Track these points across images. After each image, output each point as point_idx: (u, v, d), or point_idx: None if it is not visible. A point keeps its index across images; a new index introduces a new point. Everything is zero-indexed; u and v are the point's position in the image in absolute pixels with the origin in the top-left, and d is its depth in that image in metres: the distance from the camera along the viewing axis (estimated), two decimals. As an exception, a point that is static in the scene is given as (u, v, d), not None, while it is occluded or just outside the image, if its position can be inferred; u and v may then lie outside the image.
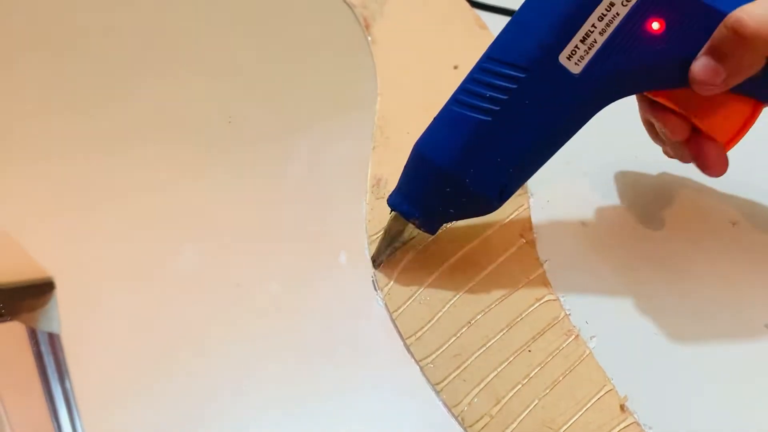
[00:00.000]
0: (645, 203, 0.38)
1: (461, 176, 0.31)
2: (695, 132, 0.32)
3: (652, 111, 0.33)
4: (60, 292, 0.36)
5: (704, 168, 0.32)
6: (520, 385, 0.32)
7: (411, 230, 0.35)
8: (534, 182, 0.38)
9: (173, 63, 0.45)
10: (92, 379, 0.33)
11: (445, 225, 0.36)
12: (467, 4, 0.47)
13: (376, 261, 0.36)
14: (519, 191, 0.38)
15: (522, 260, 0.35)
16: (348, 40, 0.46)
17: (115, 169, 0.41)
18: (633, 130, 0.36)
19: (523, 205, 0.38)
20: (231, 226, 0.38)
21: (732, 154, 0.32)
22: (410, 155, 0.33)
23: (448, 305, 0.34)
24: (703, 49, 0.29)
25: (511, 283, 0.35)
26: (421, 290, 0.35)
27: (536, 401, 0.31)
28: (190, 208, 0.39)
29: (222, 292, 0.36)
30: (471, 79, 0.31)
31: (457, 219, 0.35)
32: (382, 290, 0.35)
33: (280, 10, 0.48)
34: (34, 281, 0.37)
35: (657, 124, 0.33)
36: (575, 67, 0.30)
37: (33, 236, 0.38)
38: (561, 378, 0.32)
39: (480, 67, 0.31)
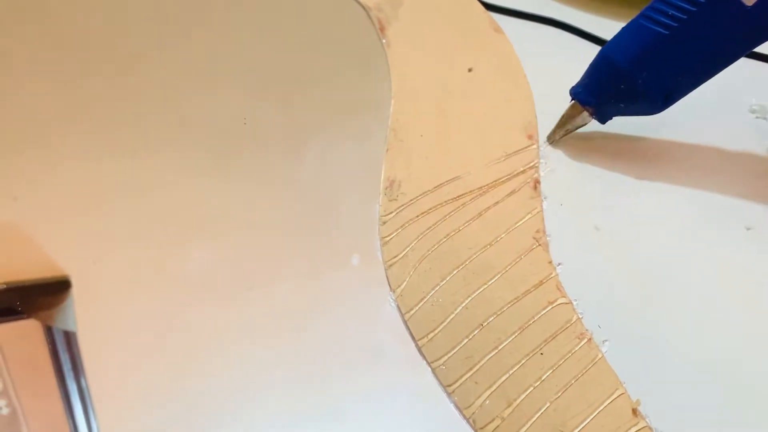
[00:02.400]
0: (659, 207, 0.38)
1: (635, 76, 0.36)
2: None
3: None
4: (76, 291, 0.36)
5: None
6: (531, 388, 0.32)
7: (585, 117, 0.39)
8: (547, 185, 0.39)
9: (189, 64, 0.46)
10: (108, 378, 0.33)
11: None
12: (482, 7, 0.47)
13: (551, 139, 0.41)
14: (533, 194, 0.38)
15: (535, 263, 0.35)
16: (362, 43, 0.46)
17: (131, 170, 0.41)
18: (646, 136, 0.36)
19: (536, 208, 0.38)
20: (245, 228, 0.38)
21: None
22: (597, 55, 0.38)
23: (460, 307, 0.34)
24: None
25: (524, 285, 0.35)
26: (433, 292, 0.35)
27: (548, 404, 0.31)
28: (205, 208, 0.39)
29: (235, 293, 0.36)
30: None
31: (625, 114, 0.39)
32: (394, 291, 0.35)
33: (295, 12, 0.48)
34: (50, 279, 0.37)
35: None
36: (749, 0, 0.33)
37: (49, 235, 0.38)
38: (573, 381, 0.32)
39: None
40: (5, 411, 0.33)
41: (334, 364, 0.33)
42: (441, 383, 0.32)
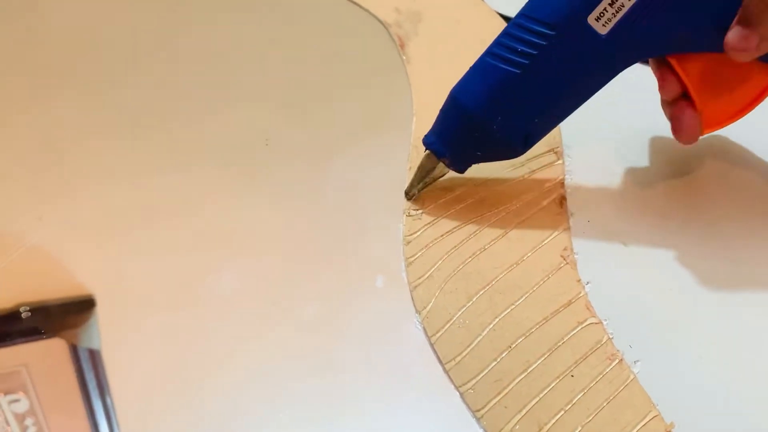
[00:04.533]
0: (688, 223, 0.37)
1: (489, 122, 0.34)
2: (683, 97, 0.34)
3: (655, 63, 0.35)
4: (100, 310, 0.36)
5: (675, 132, 0.35)
6: (562, 412, 0.31)
7: (441, 168, 0.37)
8: (574, 202, 0.38)
9: (212, 84, 0.46)
10: (133, 395, 0.33)
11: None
12: (502, 21, 0.47)
13: (409, 194, 0.38)
14: (559, 211, 0.37)
15: (563, 282, 0.35)
16: (383, 60, 0.46)
17: (154, 190, 0.41)
18: (675, 151, 0.36)
19: (563, 225, 0.37)
20: (268, 248, 0.38)
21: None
22: (446, 100, 0.35)
23: (487, 329, 0.34)
24: (736, 17, 0.31)
25: (552, 305, 0.34)
26: (459, 313, 0.34)
27: (579, 428, 0.31)
28: (229, 227, 0.39)
29: (259, 312, 0.36)
30: (505, 33, 0.33)
31: (484, 161, 0.37)
32: (420, 313, 0.35)
33: (316, 32, 0.48)
34: (74, 299, 0.37)
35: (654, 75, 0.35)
36: (602, 29, 0.31)
37: (74, 254, 0.38)
38: (605, 404, 0.31)
39: (514, 23, 0.33)
40: (32, 429, 0.33)
41: (360, 386, 0.33)
42: (470, 407, 0.32)
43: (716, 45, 0.32)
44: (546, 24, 0.32)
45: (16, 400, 0.34)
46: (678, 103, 0.35)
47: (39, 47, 0.49)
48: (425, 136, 0.37)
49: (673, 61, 0.33)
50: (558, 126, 0.39)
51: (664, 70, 0.34)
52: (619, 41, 0.32)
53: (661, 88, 0.35)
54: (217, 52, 0.48)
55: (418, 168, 0.37)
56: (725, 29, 0.32)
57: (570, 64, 0.32)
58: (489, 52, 0.34)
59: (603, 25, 0.31)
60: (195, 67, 0.47)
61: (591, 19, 0.31)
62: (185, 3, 0.51)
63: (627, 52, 0.33)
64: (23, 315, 0.36)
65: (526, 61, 0.32)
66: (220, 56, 0.47)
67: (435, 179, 0.38)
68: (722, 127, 0.35)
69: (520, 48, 0.32)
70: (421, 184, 0.38)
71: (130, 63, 0.48)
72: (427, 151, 0.37)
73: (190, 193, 0.41)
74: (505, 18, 0.47)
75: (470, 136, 0.35)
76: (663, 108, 0.36)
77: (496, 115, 0.34)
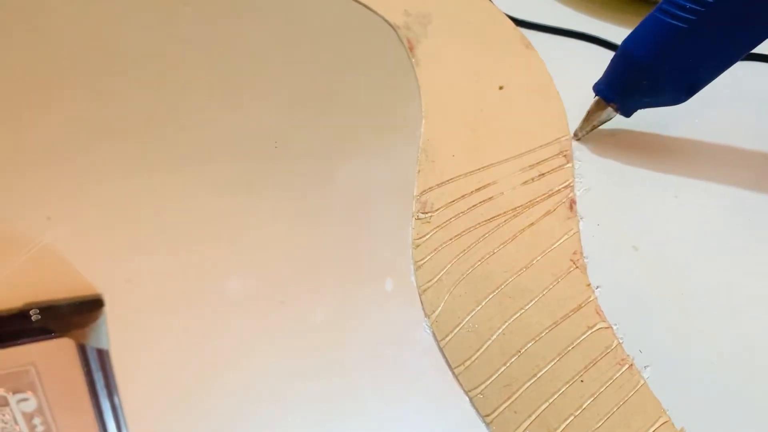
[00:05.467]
0: (700, 227, 0.37)
1: (656, 72, 0.36)
2: None
3: None
4: (109, 310, 0.36)
5: None
6: (572, 417, 0.31)
7: (609, 112, 0.40)
8: (583, 205, 0.38)
9: (220, 85, 0.46)
10: (141, 395, 0.33)
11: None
12: (512, 24, 0.46)
13: (577, 135, 0.41)
14: (569, 214, 0.37)
15: (572, 286, 0.35)
16: (392, 62, 0.46)
17: (162, 189, 0.41)
18: (685, 154, 0.35)
19: (572, 228, 0.37)
20: (277, 250, 0.38)
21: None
22: (617, 51, 0.38)
23: (496, 333, 0.33)
24: None
25: (562, 310, 0.34)
26: (469, 317, 0.34)
27: (589, 434, 0.30)
28: (237, 228, 0.39)
29: (267, 314, 0.36)
30: None
31: (649, 106, 0.39)
32: (429, 317, 0.35)
33: (325, 34, 0.48)
34: (83, 299, 0.37)
35: None
36: None
37: (82, 254, 0.38)
38: (615, 409, 0.31)
39: None
40: (40, 429, 0.33)
41: (368, 390, 0.33)
42: (479, 412, 0.32)
43: None
44: None
45: (25, 399, 0.34)
46: None
47: (46, 49, 0.49)
48: (595, 83, 0.40)
49: None
50: (567, 129, 0.39)
51: None
52: None
53: None
54: (226, 54, 0.48)
55: (588, 112, 0.40)
56: None
57: (733, 21, 0.34)
58: (660, 8, 0.36)
59: None
60: (205, 69, 0.47)
61: None
62: (194, 4, 0.51)
63: None
64: (33, 317, 0.36)
65: (694, 17, 0.34)
66: (230, 58, 0.47)
67: (602, 123, 0.40)
68: None
69: (689, 5, 0.34)
70: (589, 127, 0.40)
71: (139, 64, 0.48)
72: (597, 97, 0.40)
73: (200, 194, 0.41)
74: (514, 20, 0.47)
75: (638, 84, 0.37)
76: None
77: (663, 65, 0.36)
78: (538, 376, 0.32)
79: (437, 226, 0.37)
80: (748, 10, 0.34)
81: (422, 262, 0.36)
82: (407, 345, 0.34)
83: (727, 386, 0.32)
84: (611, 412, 0.31)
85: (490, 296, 0.35)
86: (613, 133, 0.41)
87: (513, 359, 0.33)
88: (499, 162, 0.39)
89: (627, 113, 0.40)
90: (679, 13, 0.35)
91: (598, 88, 0.40)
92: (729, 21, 0.34)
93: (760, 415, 0.31)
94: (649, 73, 0.37)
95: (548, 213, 0.37)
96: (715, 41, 0.35)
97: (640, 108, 0.39)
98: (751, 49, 0.36)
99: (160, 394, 0.33)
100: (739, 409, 0.31)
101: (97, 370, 0.34)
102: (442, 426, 0.32)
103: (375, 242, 0.38)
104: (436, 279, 0.36)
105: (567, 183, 0.39)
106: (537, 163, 0.39)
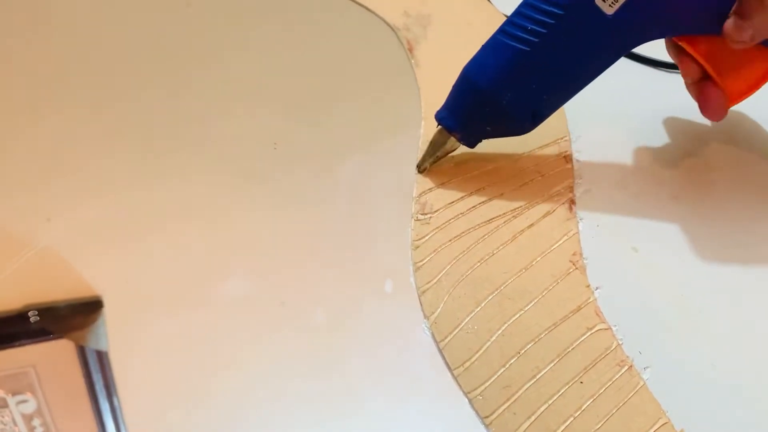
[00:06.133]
0: (700, 229, 0.37)
1: (499, 98, 0.35)
2: (705, 77, 0.36)
3: (672, 49, 0.37)
4: (108, 311, 0.36)
5: (703, 110, 0.37)
6: (572, 418, 0.31)
7: (453, 143, 0.38)
8: (583, 206, 0.38)
9: (219, 89, 0.46)
10: (140, 397, 0.33)
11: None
12: (511, 24, 0.46)
13: (420, 167, 0.39)
14: (569, 215, 0.37)
15: (572, 287, 0.35)
16: (392, 64, 0.46)
17: (164, 193, 0.41)
18: (686, 157, 0.35)
19: (572, 230, 0.37)
20: (276, 251, 0.38)
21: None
22: (458, 76, 0.36)
23: (496, 335, 0.33)
24: (733, 8, 0.32)
25: (561, 311, 0.34)
26: (468, 319, 0.34)
27: (589, 435, 0.30)
28: (237, 230, 0.39)
29: (267, 315, 0.36)
30: (517, 12, 0.34)
31: (493, 137, 0.38)
32: (428, 319, 0.35)
33: (325, 35, 0.48)
34: (83, 300, 0.37)
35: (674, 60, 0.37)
36: (609, 9, 0.32)
37: (82, 255, 0.38)
38: (614, 411, 0.31)
39: (526, 2, 0.34)
40: (40, 430, 0.33)
41: (368, 392, 0.33)
42: (478, 414, 0.32)
43: (717, 29, 0.33)
44: (555, 4, 0.33)
45: (24, 401, 0.34)
46: (700, 83, 0.36)
47: (46, 51, 0.49)
48: (437, 111, 0.38)
49: (684, 44, 0.35)
50: (567, 130, 0.39)
51: (680, 54, 0.36)
52: (625, 22, 0.33)
53: (682, 71, 0.36)
54: (225, 57, 0.48)
55: (430, 143, 0.39)
56: (725, 15, 0.33)
57: (577, 44, 0.33)
58: (501, 30, 0.34)
59: (610, 5, 0.32)
60: (203, 72, 0.47)
61: (598, 0, 0.32)
62: (194, 7, 0.51)
63: (633, 33, 0.34)
64: (32, 319, 0.36)
65: (536, 39, 0.33)
66: (229, 60, 0.47)
67: (446, 153, 0.39)
68: (748, 96, 0.36)
69: (530, 26, 0.33)
70: (432, 158, 0.39)
71: (139, 69, 0.48)
72: (439, 126, 0.38)
73: (199, 196, 0.41)
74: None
75: (480, 111, 0.36)
76: (689, 91, 0.38)
77: (505, 91, 0.35)
78: (538, 377, 0.32)
79: (437, 228, 0.37)
80: (592, 31, 0.33)
81: (422, 263, 0.36)
82: (407, 346, 0.34)
83: (726, 387, 0.32)
84: (611, 414, 0.31)
85: (490, 297, 0.35)
86: (612, 134, 0.41)
87: (512, 360, 0.33)
88: (498, 163, 0.39)
89: (470, 144, 0.38)
90: (520, 34, 0.33)
91: (440, 116, 0.38)
92: (573, 43, 0.33)
93: (759, 416, 0.31)
94: (492, 98, 0.35)
95: (548, 214, 0.37)
96: (559, 66, 0.34)
97: (485, 138, 0.38)
98: (598, 75, 0.35)
99: (158, 395, 0.33)
100: (738, 410, 0.31)
101: (97, 371, 0.34)
102: (441, 426, 0.32)
103: (375, 243, 0.38)
104: (435, 280, 0.36)
105: (566, 184, 0.39)
106: (536, 164, 0.39)
